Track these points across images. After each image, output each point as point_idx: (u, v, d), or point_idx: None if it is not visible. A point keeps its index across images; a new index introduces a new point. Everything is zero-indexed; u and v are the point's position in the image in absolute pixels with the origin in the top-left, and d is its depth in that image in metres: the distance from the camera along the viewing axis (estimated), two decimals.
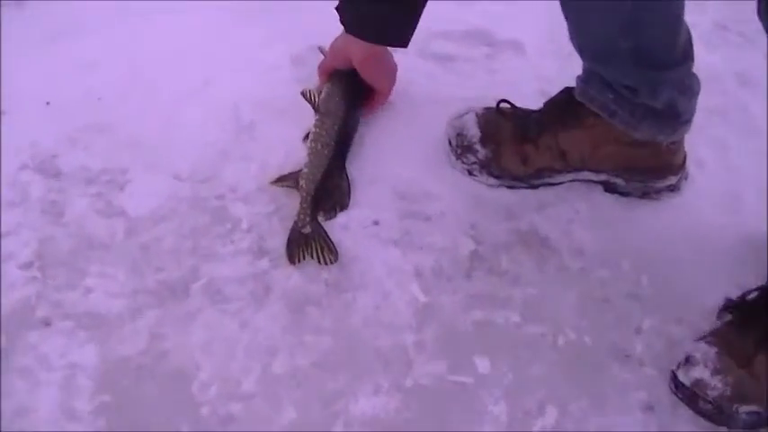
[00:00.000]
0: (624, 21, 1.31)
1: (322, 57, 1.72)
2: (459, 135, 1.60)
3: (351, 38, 1.52)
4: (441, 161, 1.64)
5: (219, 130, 1.67)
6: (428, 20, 1.47)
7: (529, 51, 1.91)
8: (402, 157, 1.64)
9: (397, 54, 1.62)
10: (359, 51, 1.56)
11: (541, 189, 1.60)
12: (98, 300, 1.41)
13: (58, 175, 1.59)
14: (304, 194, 1.53)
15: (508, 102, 1.61)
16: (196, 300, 1.42)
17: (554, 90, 1.59)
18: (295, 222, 1.50)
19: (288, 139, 1.65)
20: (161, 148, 1.64)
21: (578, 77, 1.49)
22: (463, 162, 1.59)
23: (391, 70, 1.65)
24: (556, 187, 1.61)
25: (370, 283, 1.46)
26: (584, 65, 1.48)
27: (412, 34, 1.48)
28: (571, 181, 1.61)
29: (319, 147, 1.57)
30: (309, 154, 1.57)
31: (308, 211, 1.51)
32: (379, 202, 1.57)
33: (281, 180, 1.57)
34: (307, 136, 1.60)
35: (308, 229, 1.49)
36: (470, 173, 1.59)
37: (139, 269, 1.46)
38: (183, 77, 1.77)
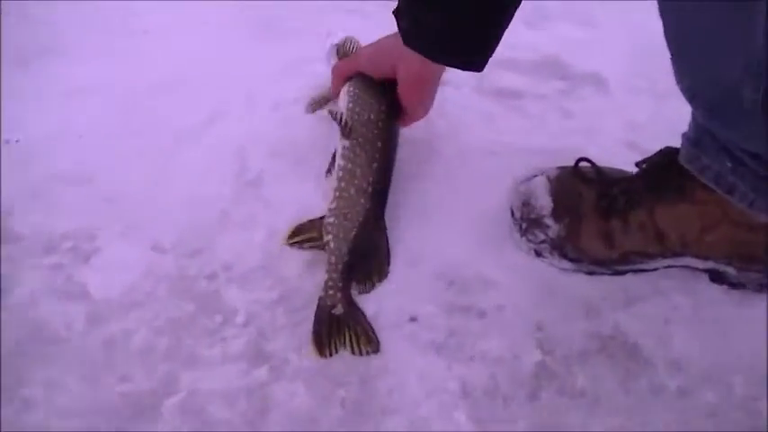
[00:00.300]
0: (753, 61, 0.97)
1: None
2: (526, 205, 1.31)
3: (404, 46, 1.20)
4: (500, 236, 1.33)
5: (219, 184, 1.39)
6: None
7: (613, 88, 1.61)
8: (449, 229, 1.34)
9: (447, 87, 1.36)
10: (412, 65, 1.24)
11: (629, 276, 1.30)
12: (38, 419, 1.10)
13: (10, 240, 1.30)
14: (333, 259, 1.21)
15: (589, 161, 1.32)
16: (169, 423, 1.11)
17: (645, 141, 1.38)
18: (321, 299, 1.19)
19: (303, 198, 1.35)
20: (144, 206, 1.35)
21: (685, 136, 1.20)
22: (529, 239, 1.30)
23: (434, 96, 1.33)
24: (648, 274, 1.30)
25: (402, 405, 1.14)
26: (692, 118, 1.19)
27: (490, 56, 1.18)
28: (667, 267, 1.30)
29: (352, 191, 1.25)
30: (338, 198, 1.25)
31: (340, 283, 1.20)
32: (419, 290, 1.26)
33: (298, 234, 1.25)
34: (329, 170, 1.28)
35: (339, 309, 1.18)
36: (538, 254, 1.30)
37: (99, 376, 1.15)
38: (183, 113, 1.50)
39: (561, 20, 1.73)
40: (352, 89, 1.32)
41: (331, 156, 1.32)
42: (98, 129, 1.48)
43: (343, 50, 1.44)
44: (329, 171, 1.30)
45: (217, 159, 1.43)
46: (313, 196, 1.35)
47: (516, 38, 1.57)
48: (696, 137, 1.18)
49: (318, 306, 1.19)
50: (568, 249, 1.29)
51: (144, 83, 1.57)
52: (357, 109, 1.29)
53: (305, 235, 1.25)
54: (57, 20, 1.72)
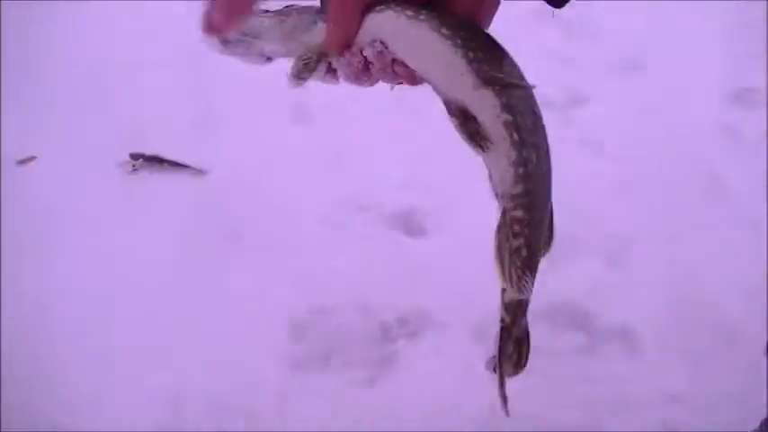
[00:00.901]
0: None
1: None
2: None
3: None
4: None
5: None
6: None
7: (645, 345, 1.43)
8: None
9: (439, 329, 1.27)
10: None
11: None
12: None
13: None
14: (528, 273, 0.79)
15: None
16: None
17: (687, 419, 1.25)
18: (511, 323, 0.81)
19: None
20: None
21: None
22: None
23: None
24: None
25: None
26: None
27: None
28: None
29: (534, 158, 0.75)
30: (523, 176, 0.74)
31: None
32: None
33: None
34: (475, 137, 0.77)
35: (518, 329, 0.82)
36: None
37: None
38: (112, 337, 1.36)
39: (585, 257, 1.54)
40: (413, 14, 0.82)
41: (453, 117, 0.82)
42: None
43: None
44: (474, 137, 0.84)
45: (146, 402, 1.28)
46: None
47: None
48: None
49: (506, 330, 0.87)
50: None
51: (69, 297, 1.44)
52: (457, 40, 0.83)
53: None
54: None
